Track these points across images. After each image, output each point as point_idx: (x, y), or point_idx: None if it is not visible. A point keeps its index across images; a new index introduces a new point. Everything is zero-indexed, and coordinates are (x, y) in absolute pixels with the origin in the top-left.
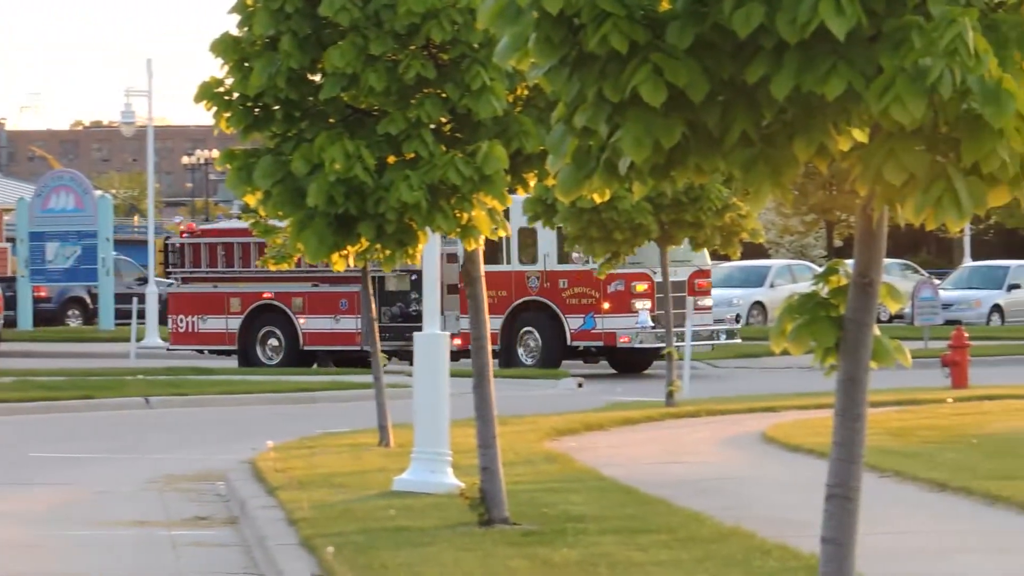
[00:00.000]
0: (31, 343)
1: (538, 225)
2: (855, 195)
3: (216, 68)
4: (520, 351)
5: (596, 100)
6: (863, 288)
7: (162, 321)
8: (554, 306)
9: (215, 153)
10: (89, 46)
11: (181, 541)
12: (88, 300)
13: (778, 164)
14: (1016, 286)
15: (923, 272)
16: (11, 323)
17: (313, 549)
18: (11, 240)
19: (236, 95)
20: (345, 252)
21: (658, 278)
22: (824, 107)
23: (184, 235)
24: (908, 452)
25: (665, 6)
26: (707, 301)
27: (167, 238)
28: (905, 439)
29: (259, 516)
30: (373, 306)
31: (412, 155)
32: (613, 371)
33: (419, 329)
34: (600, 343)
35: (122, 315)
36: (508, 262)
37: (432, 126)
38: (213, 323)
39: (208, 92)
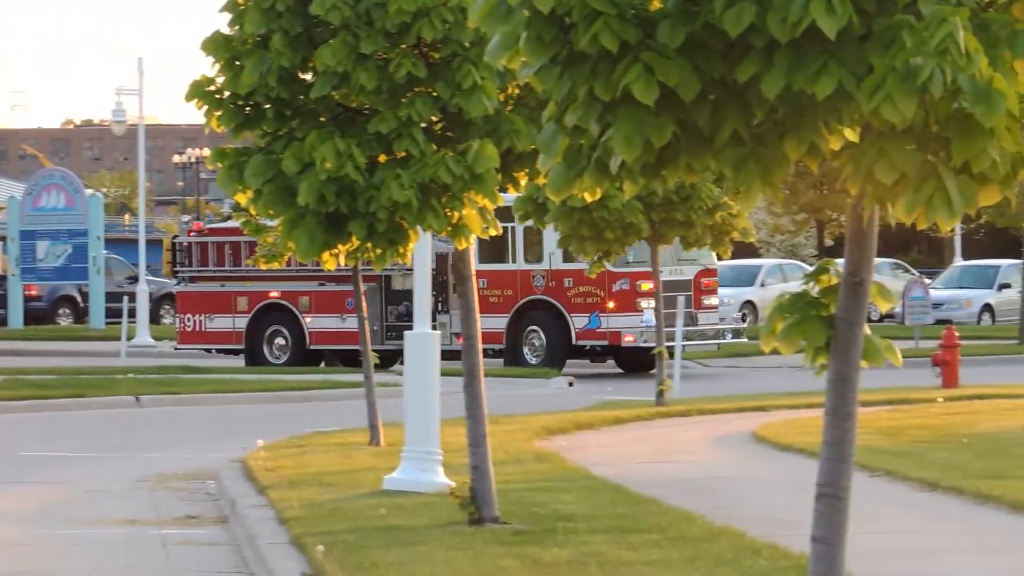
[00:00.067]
0: (22, 341)
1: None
2: (846, 194)
3: (207, 67)
4: (525, 350)
5: (587, 99)
6: (854, 287)
7: (153, 320)
8: (559, 305)
9: (206, 152)
10: (80, 45)
11: (171, 540)
12: (79, 299)
13: (769, 163)
14: (1007, 285)
15: (914, 271)
16: (2, 321)
17: (303, 548)
18: (2, 238)
19: (227, 94)
20: (336, 251)
21: (664, 277)
22: (815, 106)
23: (191, 234)
24: (899, 451)
25: (656, 5)
26: (713, 300)
27: (174, 237)
28: (896, 438)
29: (249, 515)
30: (364, 306)
31: (403, 154)
32: (619, 370)
33: None
34: (605, 342)
35: (113, 314)
36: (513, 261)
37: (423, 125)
38: (220, 322)
39: (199, 91)
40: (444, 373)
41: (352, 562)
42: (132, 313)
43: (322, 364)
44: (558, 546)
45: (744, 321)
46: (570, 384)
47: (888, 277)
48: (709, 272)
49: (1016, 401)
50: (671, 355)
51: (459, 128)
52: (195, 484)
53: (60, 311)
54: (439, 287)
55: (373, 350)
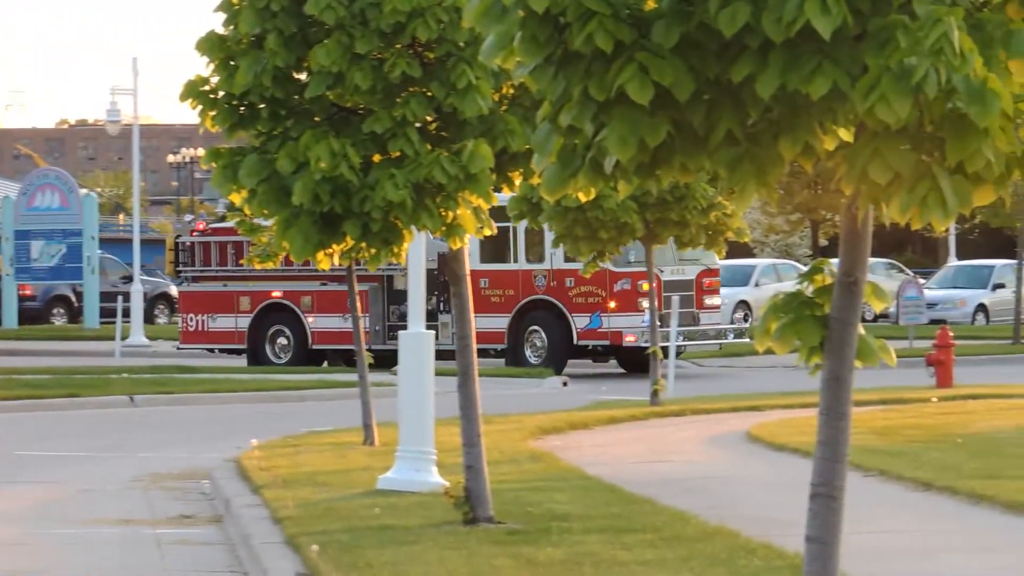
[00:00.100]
0: (16, 341)
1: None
2: (840, 194)
3: (202, 66)
4: (527, 350)
5: (581, 99)
6: (848, 287)
7: (147, 320)
8: (561, 305)
9: (201, 151)
10: (75, 45)
11: (166, 539)
12: (73, 298)
13: (763, 163)
14: (1001, 285)
15: (908, 271)
16: None
17: (298, 548)
18: None
19: (222, 93)
20: (330, 251)
21: (666, 276)
22: (809, 106)
23: (193, 233)
24: (893, 451)
25: (651, 5)
26: (715, 300)
27: (177, 237)
28: (890, 438)
29: (244, 514)
30: (359, 305)
31: (397, 154)
32: (622, 370)
33: (428, 327)
34: (606, 342)
35: (107, 313)
36: (515, 261)
37: (417, 125)
38: (223, 322)
39: (194, 90)
40: (445, 373)
41: (346, 562)
42: (126, 313)
43: (324, 364)
44: (552, 546)
45: (746, 321)
46: (564, 384)
47: (882, 277)
48: (711, 272)
49: (1010, 401)
50: (665, 355)
51: (454, 128)
52: (189, 484)
53: (54, 311)
54: (441, 287)
55: (376, 350)
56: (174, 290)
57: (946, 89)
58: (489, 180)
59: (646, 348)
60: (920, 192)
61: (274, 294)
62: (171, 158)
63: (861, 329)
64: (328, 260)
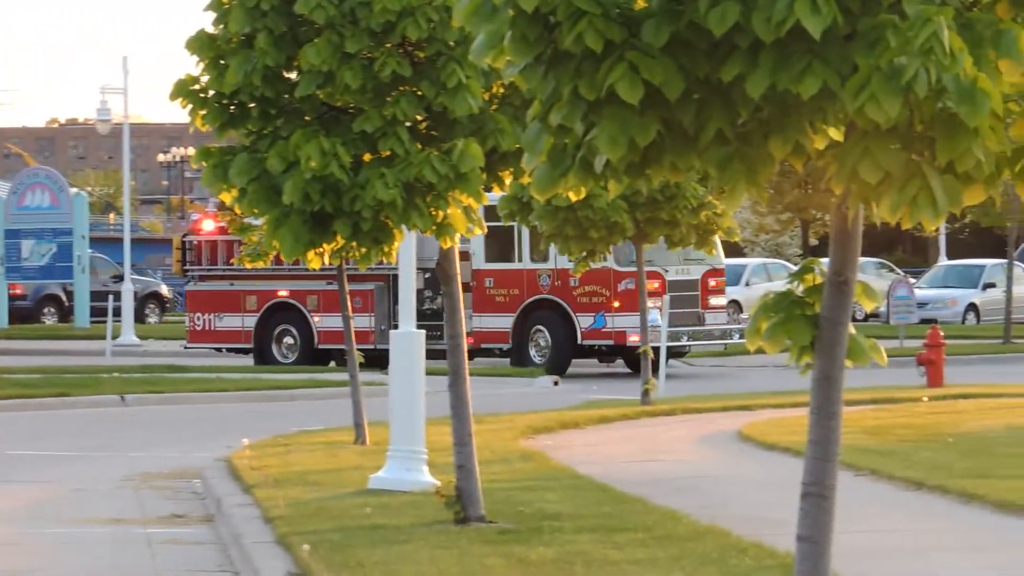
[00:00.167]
0: (6, 340)
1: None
2: (831, 194)
3: (192, 66)
4: (531, 350)
5: (571, 98)
6: (838, 287)
7: (138, 319)
8: (565, 305)
9: (191, 151)
10: (66, 44)
11: (157, 539)
12: (64, 297)
13: (753, 162)
14: (991, 285)
15: (898, 271)
16: None
17: (289, 547)
18: None
19: (212, 92)
20: (321, 250)
21: (670, 276)
22: (800, 106)
23: (199, 232)
24: (884, 450)
25: (641, 4)
26: (720, 300)
27: (184, 235)
28: (881, 437)
29: (235, 514)
30: (350, 304)
31: (388, 153)
32: (628, 370)
33: (433, 328)
34: (611, 342)
35: (98, 313)
36: (519, 260)
37: (408, 124)
38: (229, 321)
39: (184, 90)
40: (433, 373)
41: (338, 561)
42: (117, 312)
43: (331, 363)
44: (544, 545)
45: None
46: (555, 383)
47: (873, 276)
48: (717, 272)
49: (1000, 400)
50: (675, 355)
51: (444, 127)
52: (180, 483)
53: (45, 310)
54: None
55: (382, 349)
56: (165, 289)
57: (936, 88)
58: (479, 179)
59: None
60: (910, 191)
61: (280, 293)
62: (161, 157)
63: (851, 328)
64: (318, 259)
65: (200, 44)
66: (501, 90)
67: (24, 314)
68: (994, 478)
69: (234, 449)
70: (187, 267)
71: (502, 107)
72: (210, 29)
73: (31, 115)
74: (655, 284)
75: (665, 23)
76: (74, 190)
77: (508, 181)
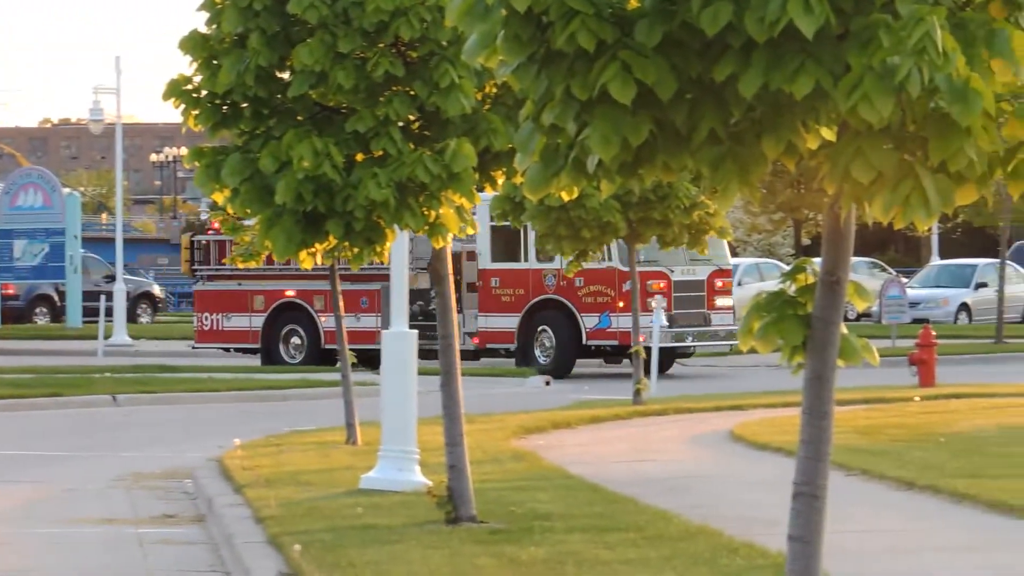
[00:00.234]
0: None
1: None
2: (823, 193)
3: (185, 66)
4: (536, 350)
5: (564, 98)
6: (830, 286)
7: (130, 319)
8: (570, 305)
9: (183, 150)
10: (58, 44)
11: (148, 539)
12: (56, 298)
13: (746, 162)
14: (984, 285)
15: (891, 270)
16: None
17: (280, 547)
18: None
19: (204, 92)
20: (313, 250)
21: (676, 277)
22: (792, 105)
23: (209, 232)
24: (875, 450)
25: (633, 4)
26: (727, 301)
27: (193, 235)
28: (872, 437)
29: (226, 514)
30: (342, 305)
31: (380, 153)
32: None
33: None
34: (615, 342)
35: (90, 313)
36: (525, 260)
37: (400, 124)
38: (237, 321)
39: (176, 90)
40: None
41: (329, 561)
42: (109, 312)
43: (338, 364)
44: (535, 545)
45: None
46: (547, 383)
47: (865, 276)
48: (723, 272)
49: (992, 400)
50: (681, 355)
51: (436, 127)
52: (172, 483)
53: (37, 310)
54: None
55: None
56: (157, 289)
57: (929, 88)
58: (472, 179)
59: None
60: (903, 191)
61: (288, 293)
62: (154, 157)
63: (844, 328)
64: (311, 259)
65: (193, 44)
66: (494, 90)
67: (16, 314)
68: (986, 478)
69: (226, 449)
70: (195, 267)
71: (495, 107)
72: (203, 29)
73: (24, 115)
74: (661, 284)
75: (658, 23)
76: (67, 190)
77: (501, 181)
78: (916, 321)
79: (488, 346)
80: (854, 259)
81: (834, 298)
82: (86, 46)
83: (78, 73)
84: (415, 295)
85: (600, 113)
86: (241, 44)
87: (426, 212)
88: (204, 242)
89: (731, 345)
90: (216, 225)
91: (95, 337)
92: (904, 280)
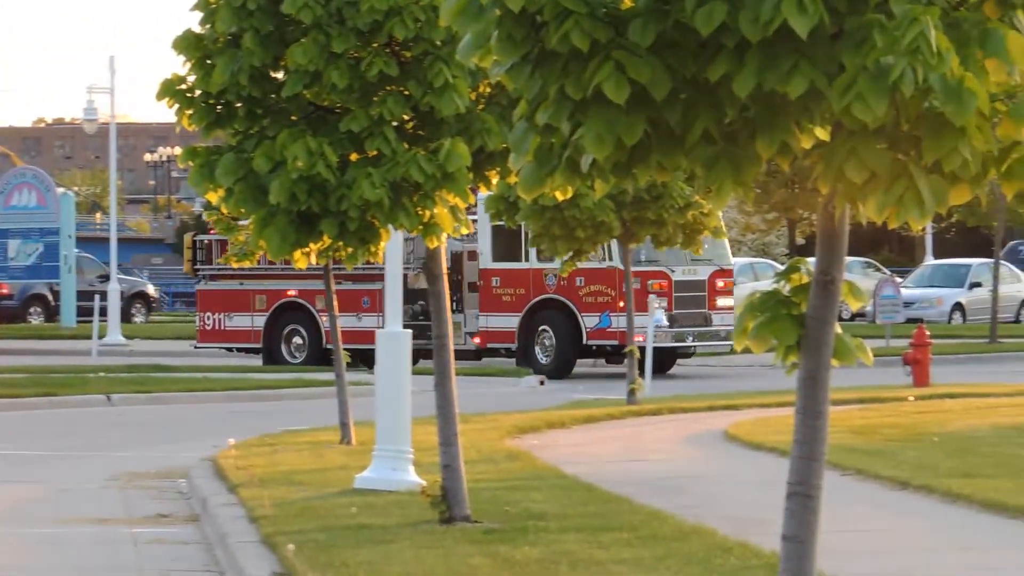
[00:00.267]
0: None
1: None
2: (817, 193)
3: (179, 65)
4: (537, 350)
5: (558, 97)
6: (825, 286)
7: (124, 319)
8: (571, 304)
9: (177, 150)
10: (52, 43)
11: (142, 539)
12: (50, 297)
13: (740, 162)
14: (978, 284)
15: (885, 270)
16: None
17: (274, 547)
18: None
19: (198, 92)
20: (307, 250)
21: (677, 277)
22: (786, 105)
23: (212, 232)
24: (870, 450)
25: (627, 4)
26: (728, 301)
27: (195, 235)
28: (867, 437)
29: (220, 514)
30: (336, 305)
31: (374, 152)
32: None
33: None
34: (615, 342)
35: (84, 312)
36: (526, 259)
37: (395, 123)
38: (239, 320)
39: (170, 89)
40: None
41: (323, 561)
42: (103, 312)
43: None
44: (529, 545)
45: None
46: (541, 383)
47: (859, 276)
48: (725, 272)
49: (986, 400)
50: (683, 355)
51: (431, 127)
52: (166, 483)
53: (31, 310)
54: (454, 286)
55: None
56: (151, 289)
57: (923, 88)
58: (466, 179)
59: (658, 348)
60: (897, 191)
61: (289, 293)
62: (148, 157)
63: (838, 328)
64: (305, 259)
65: (187, 44)
66: (488, 90)
67: (10, 314)
68: (980, 478)
69: (220, 449)
70: (197, 267)
71: (489, 107)
72: (197, 29)
73: (18, 114)
74: (661, 284)
75: (652, 23)
76: (61, 190)
77: (495, 181)
78: (910, 321)
79: (489, 346)
80: (848, 259)
81: (828, 298)
82: (81, 46)
83: (72, 73)
84: (417, 295)
85: (594, 113)
86: (235, 44)
87: (420, 212)
88: (206, 242)
89: (732, 345)
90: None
91: (89, 337)
92: (898, 280)
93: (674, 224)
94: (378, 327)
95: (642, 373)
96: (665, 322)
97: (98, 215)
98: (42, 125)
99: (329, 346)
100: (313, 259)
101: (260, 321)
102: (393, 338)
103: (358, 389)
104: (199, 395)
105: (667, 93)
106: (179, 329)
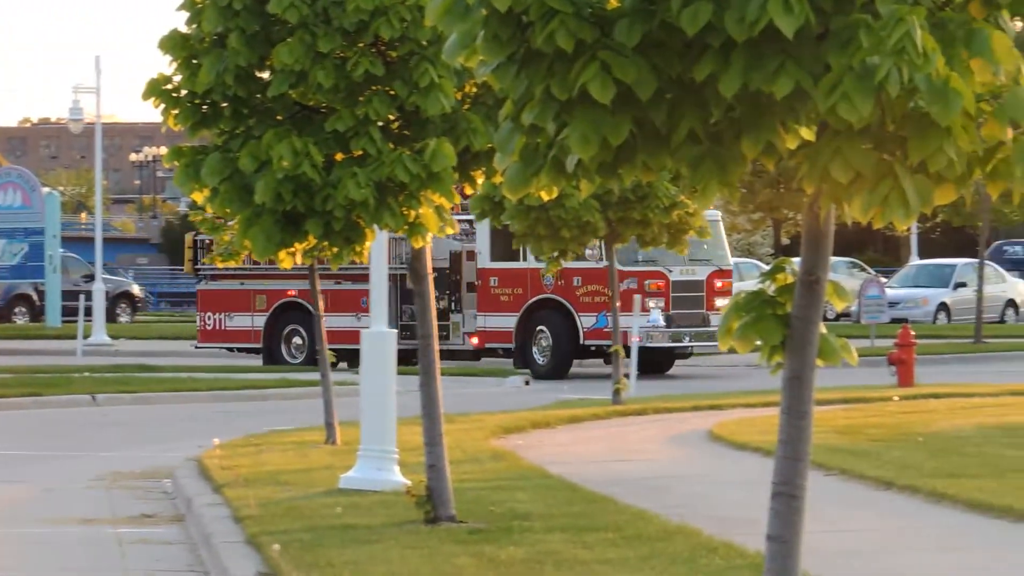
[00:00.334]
0: None
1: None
2: (802, 193)
3: (165, 65)
4: (534, 350)
5: (544, 97)
6: (810, 286)
7: (109, 319)
8: (568, 304)
9: (163, 150)
10: (38, 43)
11: (127, 539)
12: (35, 297)
13: (725, 162)
14: (963, 284)
15: (870, 270)
16: None
17: (259, 547)
18: None
19: (184, 92)
20: (293, 249)
21: (674, 277)
22: (772, 105)
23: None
24: (854, 450)
25: (613, 4)
26: (727, 301)
27: (196, 234)
28: (851, 437)
29: (205, 514)
30: (319, 304)
31: (360, 152)
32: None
33: (439, 328)
34: (611, 342)
35: (69, 312)
36: (524, 259)
37: (380, 123)
38: (240, 320)
39: (156, 89)
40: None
41: (308, 561)
42: (88, 312)
43: (340, 364)
44: (514, 545)
45: None
46: (526, 383)
47: (844, 276)
48: (723, 273)
49: (971, 400)
50: (682, 355)
51: (416, 127)
52: (151, 483)
53: (16, 310)
54: (452, 286)
55: None
56: (136, 289)
57: (908, 88)
58: (452, 179)
59: (658, 349)
60: (882, 191)
61: (290, 293)
62: (134, 156)
63: (823, 328)
64: (290, 259)
65: (173, 44)
66: (474, 90)
67: None
68: (964, 478)
69: (205, 449)
70: (198, 266)
71: (475, 107)
72: (183, 29)
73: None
74: (659, 284)
75: (638, 22)
76: (46, 189)
77: (480, 181)
78: (895, 321)
79: (487, 346)
80: (833, 259)
81: (813, 298)
82: (67, 45)
83: (58, 72)
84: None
85: (580, 113)
86: (221, 44)
87: (406, 212)
88: (207, 241)
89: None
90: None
91: (74, 337)
92: (883, 280)
93: (659, 224)
94: None
95: (641, 373)
96: (662, 322)
97: (83, 215)
98: (27, 125)
99: (329, 346)
100: (299, 259)
101: (260, 321)
102: (378, 338)
103: (344, 389)
104: (184, 395)
105: (653, 93)
106: (164, 329)
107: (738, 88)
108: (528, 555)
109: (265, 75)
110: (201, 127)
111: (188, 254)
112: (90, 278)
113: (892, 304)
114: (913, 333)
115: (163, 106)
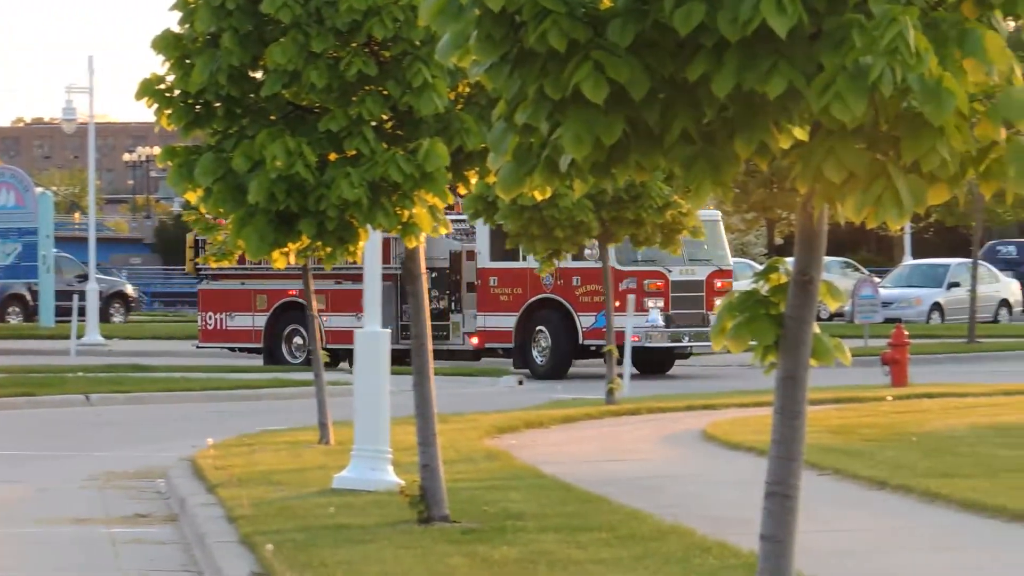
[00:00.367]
0: None
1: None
2: (796, 193)
3: (158, 65)
4: (534, 350)
5: (537, 97)
6: (803, 286)
7: (103, 318)
8: (567, 304)
9: (156, 150)
10: (31, 43)
11: (121, 539)
12: (28, 297)
13: (719, 162)
14: (956, 284)
15: (863, 270)
16: None
17: (252, 547)
18: None
19: (177, 92)
20: (286, 249)
21: (674, 277)
22: (765, 105)
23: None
24: (848, 450)
25: (606, 4)
26: None
27: (197, 234)
28: (845, 437)
29: (198, 514)
30: (309, 307)
31: (353, 152)
32: (635, 371)
33: (439, 328)
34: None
35: (63, 312)
36: (523, 259)
37: (373, 123)
38: (240, 320)
39: (149, 89)
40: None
41: (301, 561)
42: (82, 311)
43: (341, 364)
44: (507, 545)
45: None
46: (520, 383)
47: (838, 276)
48: (723, 273)
49: (965, 400)
50: (682, 355)
51: (410, 127)
52: (145, 483)
53: (10, 310)
54: (452, 286)
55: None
56: (130, 289)
57: (901, 88)
58: (445, 179)
59: (657, 348)
60: (875, 191)
61: (290, 293)
62: (127, 156)
63: (816, 328)
64: (284, 259)
65: (165, 43)
66: (467, 89)
67: None
68: (958, 477)
69: (199, 449)
70: (199, 266)
71: (468, 106)
72: (176, 28)
73: None
74: (657, 284)
75: (631, 22)
76: (39, 189)
77: (474, 181)
78: (888, 321)
79: (487, 345)
80: (827, 258)
81: (807, 298)
82: (60, 45)
83: (51, 72)
84: None
85: (573, 113)
86: (214, 43)
87: (399, 212)
88: (208, 241)
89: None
90: (221, 223)
91: (68, 336)
92: (877, 280)
93: (653, 224)
94: None
95: (642, 373)
96: (661, 322)
97: (77, 215)
98: (21, 125)
99: (329, 346)
100: (292, 259)
101: (261, 321)
102: (372, 338)
103: (337, 389)
104: (178, 395)
105: (646, 93)
106: (158, 329)
107: (731, 88)
108: (521, 555)
109: (258, 75)
110: (194, 127)
111: (189, 254)
112: (84, 278)
113: (886, 304)
114: (907, 333)
115: (156, 106)
